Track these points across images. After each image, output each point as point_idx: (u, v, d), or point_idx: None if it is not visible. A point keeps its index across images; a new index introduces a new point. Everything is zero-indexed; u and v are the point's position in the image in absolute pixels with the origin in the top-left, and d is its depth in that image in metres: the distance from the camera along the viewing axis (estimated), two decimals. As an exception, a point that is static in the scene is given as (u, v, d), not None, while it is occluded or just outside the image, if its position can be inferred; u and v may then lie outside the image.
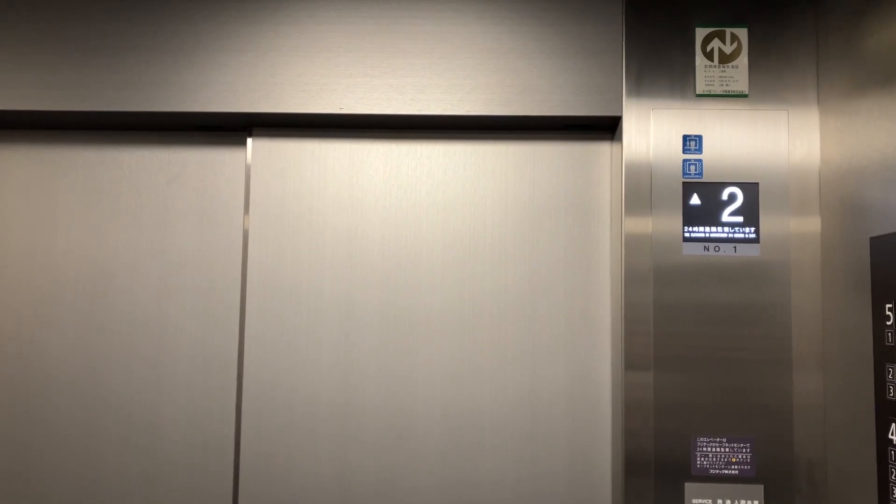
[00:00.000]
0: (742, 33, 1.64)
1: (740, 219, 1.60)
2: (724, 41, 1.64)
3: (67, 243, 1.84)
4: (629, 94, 1.65)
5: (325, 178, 1.81)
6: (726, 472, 1.56)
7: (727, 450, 1.56)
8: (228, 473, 1.77)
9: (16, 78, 1.74)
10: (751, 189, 1.61)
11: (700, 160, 1.62)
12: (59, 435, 1.80)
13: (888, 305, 1.34)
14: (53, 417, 1.81)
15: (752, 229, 1.60)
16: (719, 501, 1.56)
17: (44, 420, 1.81)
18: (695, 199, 1.61)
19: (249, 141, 1.82)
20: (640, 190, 1.62)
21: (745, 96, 1.63)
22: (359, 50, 1.73)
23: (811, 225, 1.60)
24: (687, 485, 1.56)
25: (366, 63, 1.72)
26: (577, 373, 1.75)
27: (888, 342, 1.33)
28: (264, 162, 1.82)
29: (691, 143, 1.62)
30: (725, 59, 1.64)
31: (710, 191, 1.61)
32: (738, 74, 1.63)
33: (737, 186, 1.61)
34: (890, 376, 1.33)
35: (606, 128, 1.77)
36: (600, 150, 1.79)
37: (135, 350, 1.81)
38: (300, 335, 1.78)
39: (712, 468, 1.56)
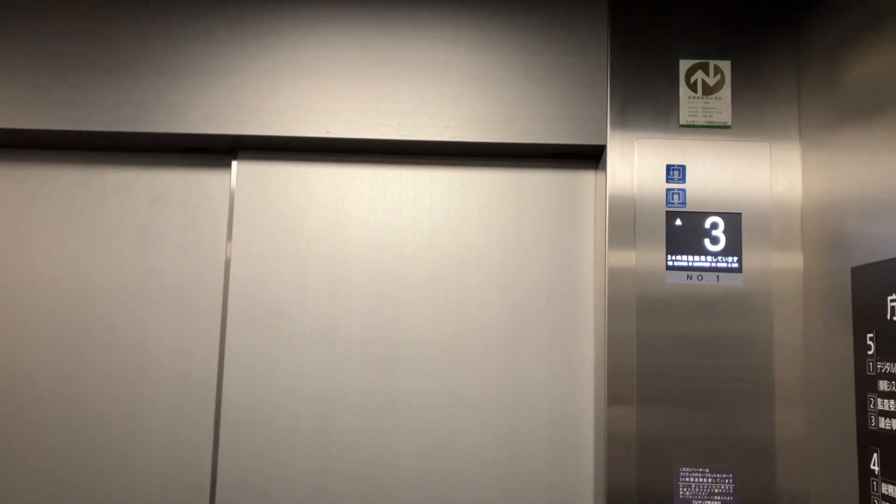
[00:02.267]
0: (725, 66, 1.67)
1: (723, 248, 1.61)
2: (707, 73, 1.67)
3: (48, 263, 1.82)
4: (614, 123, 1.67)
5: (309, 202, 1.80)
6: (709, 502, 1.55)
7: (710, 480, 1.55)
8: (204, 501, 1.73)
9: None
10: (734, 219, 1.62)
11: (683, 189, 1.63)
12: (37, 458, 1.76)
13: (869, 335, 1.34)
14: (30, 440, 1.76)
15: (735, 259, 1.61)
16: (702, 533, 1.55)
17: (20, 441, 1.76)
18: (678, 228, 1.62)
19: (234, 163, 1.82)
20: (623, 218, 1.63)
21: (729, 127, 1.65)
22: (347, 75, 1.73)
23: (793, 254, 1.61)
24: (670, 515, 1.55)
25: (354, 88, 1.73)
26: (559, 402, 1.74)
27: (869, 371, 1.34)
28: (249, 184, 1.81)
29: (675, 172, 1.64)
30: (709, 90, 1.66)
31: (694, 220, 1.62)
32: (722, 106, 1.66)
33: (720, 216, 1.62)
34: (871, 406, 1.33)
35: (591, 156, 1.78)
36: (585, 179, 1.80)
37: (113, 373, 1.78)
38: (281, 361, 1.75)
39: (695, 499, 1.55)
